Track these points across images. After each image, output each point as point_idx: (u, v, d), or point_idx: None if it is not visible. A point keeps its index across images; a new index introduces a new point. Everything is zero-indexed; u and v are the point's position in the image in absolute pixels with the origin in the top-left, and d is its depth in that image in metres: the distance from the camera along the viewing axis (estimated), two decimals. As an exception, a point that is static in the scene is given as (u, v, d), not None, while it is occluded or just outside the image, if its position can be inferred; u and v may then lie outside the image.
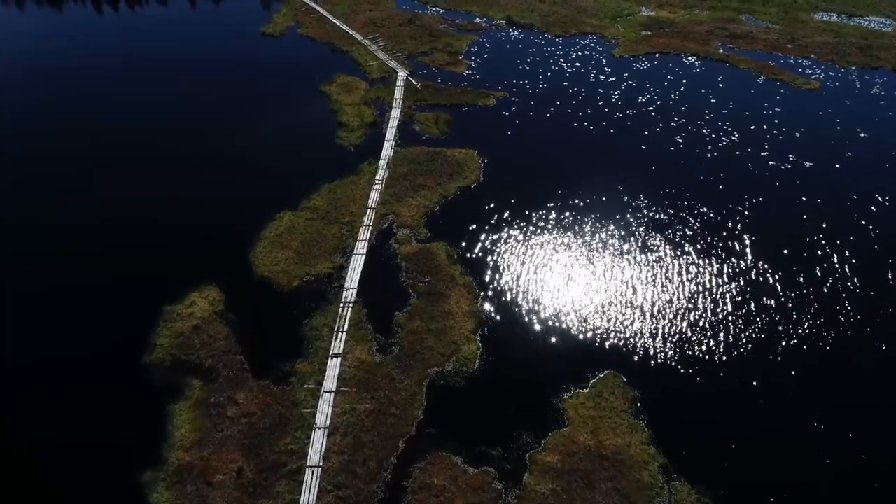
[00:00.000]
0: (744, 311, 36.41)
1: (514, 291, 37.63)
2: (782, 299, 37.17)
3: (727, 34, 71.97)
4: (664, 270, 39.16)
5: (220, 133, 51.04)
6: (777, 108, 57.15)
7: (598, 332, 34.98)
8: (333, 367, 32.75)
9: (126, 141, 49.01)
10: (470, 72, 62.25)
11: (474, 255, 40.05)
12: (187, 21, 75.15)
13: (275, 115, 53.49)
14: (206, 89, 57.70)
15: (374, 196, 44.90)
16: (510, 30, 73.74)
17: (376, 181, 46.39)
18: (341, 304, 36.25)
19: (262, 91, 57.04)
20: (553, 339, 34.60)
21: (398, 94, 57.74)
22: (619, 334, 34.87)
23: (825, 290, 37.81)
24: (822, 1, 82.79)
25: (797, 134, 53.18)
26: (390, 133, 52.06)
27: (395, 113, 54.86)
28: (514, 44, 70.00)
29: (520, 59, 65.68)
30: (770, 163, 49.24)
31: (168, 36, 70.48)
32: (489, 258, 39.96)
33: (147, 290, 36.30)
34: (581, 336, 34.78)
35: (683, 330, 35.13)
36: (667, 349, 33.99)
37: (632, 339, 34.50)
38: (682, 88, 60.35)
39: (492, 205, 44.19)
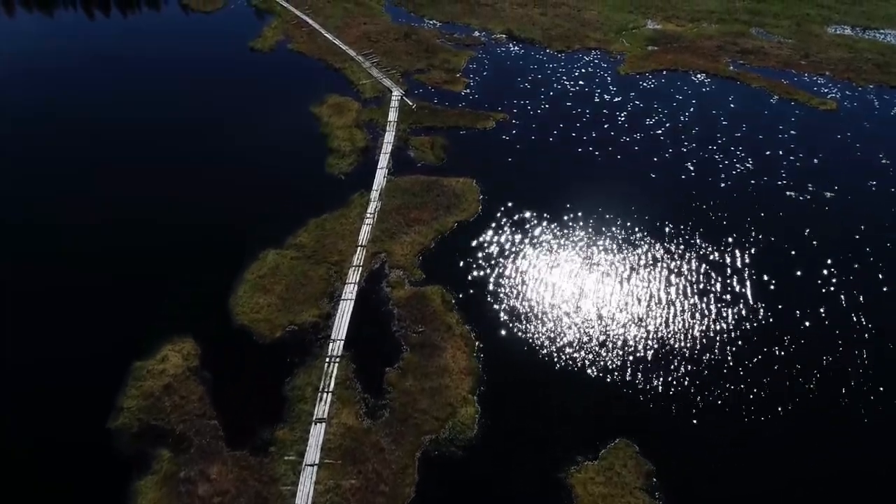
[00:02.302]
0: (770, 367, 33.33)
1: (516, 343, 34.62)
2: (822, 359, 34.07)
3: (737, 49, 68.91)
4: (680, 322, 36.08)
5: (202, 161, 47.83)
6: (793, 132, 54.08)
7: (608, 391, 31.96)
8: (317, 434, 29.77)
9: (104, 179, 45.50)
10: (468, 91, 59.22)
11: (472, 300, 37.02)
12: (175, 33, 71.71)
13: (261, 139, 50.45)
14: (190, 111, 54.49)
15: (364, 232, 41.86)
16: (510, 44, 70.69)
17: (367, 215, 43.35)
18: (327, 359, 33.24)
19: (248, 113, 53.94)
20: (559, 399, 31.57)
21: (392, 115, 54.70)
22: (630, 394, 31.82)
23: (865, 352, 34.70)
24: (835, 13, 79.71)
25: (815, 161, 50.12)
26: (383, 160, 49.02)
27: (389, 137, 51.81)
28: (514, 60, 66.94)
29: (520, 76, 62.63)
30: (788, 193, 46.18)
31: (154, 46, 67.20)
32: (488, 303, 36.94)
33: (117, 346, 33.19)
34: (589, 396, 31.76)
35: (701, 389, 32.05)
36: (682, 411, 30.94)
37: (644, 400, 31.46)
38: (692, 109, 57.30)
39: (491, 242, 41.20)
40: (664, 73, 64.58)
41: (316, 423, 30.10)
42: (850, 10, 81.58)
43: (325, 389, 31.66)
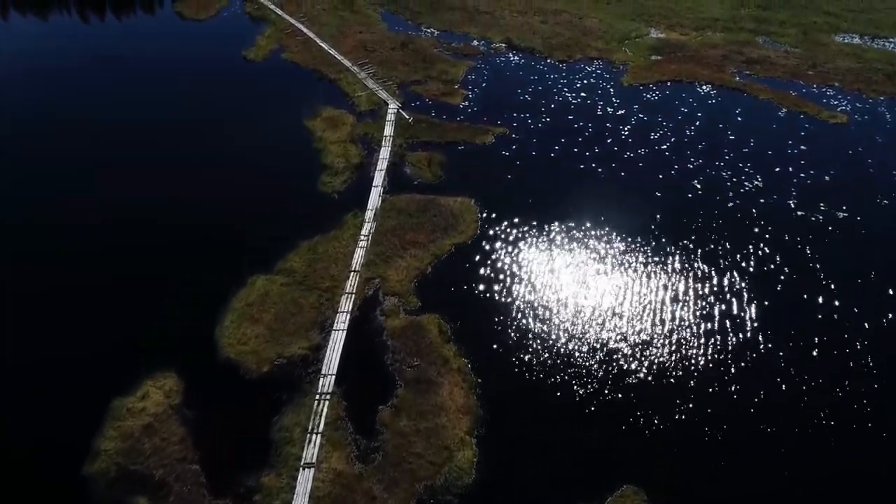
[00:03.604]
0: (789, 407, 31.53)
1: (516, 377, 32.80)
2: (836, 394, 32.28)
3: (743, 59, 67.14)
4: (693, 353, 34.27)
5: (189, 178, 45.98)
6: (803, 147, 52.30)
7: (613, 432, 30.10)
8: (305, 480, 27.98)
9: (84, 206, 43.48)
10: (467, 103, 57.46)
11: (470, 330, 35.22)
12: (167, 41, 69.88)
13: (253, 156, 48.61)
14: (180, 122, 52.66)
15: (358, 256, 40.07)
16: (510, 54, 68.94)
17: (361, 237, 41.57)
18: (317, 396, 31.44)
19: (240, 127, 52.10)
20: (561, 439, 29.74)
21: (388, 130, 52.93)
22: (637, 433, 29.99)
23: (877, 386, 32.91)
24: (842, 21, 77.94)
25: (826, 178, 48.34)
26: (378, 177, 47.23)
27: (385, 153, 50.02)
28: (514, 70, 65.18)
29: (520, 88, 60.86)
30: (799, 213, 44.42)
31: (145, 54, 65.51)
32: (486, 334, 35.15)
33: (95, 384, 31.42)
34: (594, 436, 29.90)
35: (710, 429, 30.25)
36: (691, 453, 29.14)
37: (652, 441, 29.62)
38: (698, 123, 55.53)
39: (490, 267, 39.44)
40: (668, 83, 62.84)
41: (304, 469, 28.31)
42: (857, 17, 79.86)
43: (315, 430, 29.87)
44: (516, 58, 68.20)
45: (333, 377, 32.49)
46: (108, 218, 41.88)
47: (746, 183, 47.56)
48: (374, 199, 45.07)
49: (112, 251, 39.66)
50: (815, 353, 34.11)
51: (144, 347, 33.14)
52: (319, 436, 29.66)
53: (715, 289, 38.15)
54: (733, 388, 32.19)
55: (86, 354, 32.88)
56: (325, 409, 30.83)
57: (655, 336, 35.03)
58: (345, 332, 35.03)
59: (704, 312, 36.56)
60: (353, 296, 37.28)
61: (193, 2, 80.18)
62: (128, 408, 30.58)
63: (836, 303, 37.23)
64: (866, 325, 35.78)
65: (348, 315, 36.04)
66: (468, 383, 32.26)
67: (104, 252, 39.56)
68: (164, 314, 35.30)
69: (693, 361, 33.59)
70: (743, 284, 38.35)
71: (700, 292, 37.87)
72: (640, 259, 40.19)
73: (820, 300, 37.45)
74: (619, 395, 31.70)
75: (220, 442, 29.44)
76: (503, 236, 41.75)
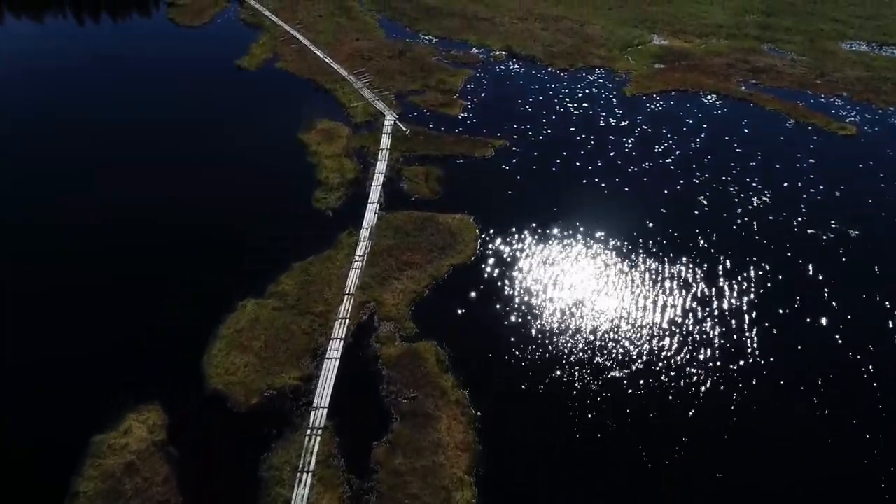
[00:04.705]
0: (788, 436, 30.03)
1: (518, 410, 31.31)
2: (852, 424, 30.77)
3: (749, 68, 65.61)
4: (702, 382, 32.72)
5: (176, 195, 44.46)
6: (812, 160, 50.77)
7: (620, 473, 28.55)
8: (294, 525, 26.42)
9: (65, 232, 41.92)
10: (466, 114, 55.94)
11: (469, 359, 33.70)
12: (159, 48, 68.26)
13: (245, 171, 47.11)
14: (163, 136, 51.13)
15: (353, 278, 38.55)
16: (510, 62, 67.40)
17: (356, 257, 40.06)
18: (308, 432, 29.93)
19: (230, 140, 50.58)
20: (569, 481, 28.19)
21: (384, 142, 51.43)
22: (647, 476, 28.44)
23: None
24: (849, 28, 76.38)
25: (837, 193, 46.82)
26: (374, 193, 45.71)
27: (381, 167, 48.50)
28: (514, 79, 63.65)
29: (521, 98, 59.33)
30: (810, 231, 42.89)
31: (136, 63, 64.01)
32: (487, 362, 33.68)
33: (74, 418, 29.98)
34: (600, 478, 28.35)
35: (718, 468, 28.74)
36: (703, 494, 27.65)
37: (664, 486, 28.07)
38: (703, 135, 54.02)
39: (489, 289, 37.96)
40: (672, 93, 61.32)
41: (293, 512, 26.80)
42: (864, 24, 78.31)
43: (306, 469, 28.40)
44: (516, 66, 66.67)
45: (325, 410, 31.03)
46: (94, 235, 40.68)
47: (755, 199, 46.04)
48: (370, 216, 43.58)
49: (109, 260, 38.89)
50: (822, 381, 32.56)
51: (130, 381, 31.63)
52: (310, 475, 28.18)
53: (724, 311, 36.64)
54: (739, 416, 30.67)
55: (65, 384, 31.48)
56: (317, 446, 29.36)
57: (665, 362, 33.50)
58: (338, 360, 33.56)
59: (713, 336, 35.04)
60: (347, 321, 35.79)
61: (188, 8, 78.57)
62: (109, 444, 29.13)
63: (847, 327, 35.64)
64: (882, 355, 34.22)
65: (342, 342, 34.56)
66: (467, 417, 30.76)
67: (102, 257, 38.95)
68: (150, 342, 33.83)
69: (700, 388, 32.05)
70: (752, 307, 36.82)
71: (708, 314, 36.35)
72: (648, 280, 38.71)
73: (830, 323, 35.87)
74: (634, 430, 30.14)
75: (206, 482, 27.97)
76: (503, 256, 40.25)
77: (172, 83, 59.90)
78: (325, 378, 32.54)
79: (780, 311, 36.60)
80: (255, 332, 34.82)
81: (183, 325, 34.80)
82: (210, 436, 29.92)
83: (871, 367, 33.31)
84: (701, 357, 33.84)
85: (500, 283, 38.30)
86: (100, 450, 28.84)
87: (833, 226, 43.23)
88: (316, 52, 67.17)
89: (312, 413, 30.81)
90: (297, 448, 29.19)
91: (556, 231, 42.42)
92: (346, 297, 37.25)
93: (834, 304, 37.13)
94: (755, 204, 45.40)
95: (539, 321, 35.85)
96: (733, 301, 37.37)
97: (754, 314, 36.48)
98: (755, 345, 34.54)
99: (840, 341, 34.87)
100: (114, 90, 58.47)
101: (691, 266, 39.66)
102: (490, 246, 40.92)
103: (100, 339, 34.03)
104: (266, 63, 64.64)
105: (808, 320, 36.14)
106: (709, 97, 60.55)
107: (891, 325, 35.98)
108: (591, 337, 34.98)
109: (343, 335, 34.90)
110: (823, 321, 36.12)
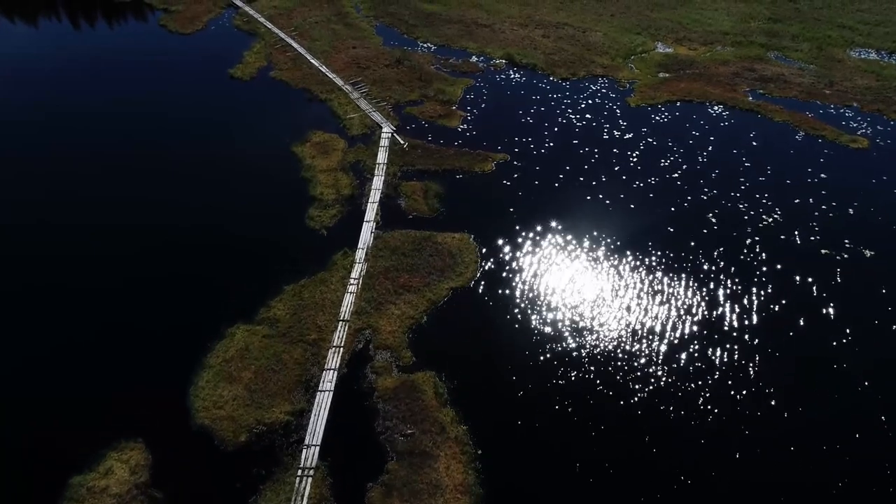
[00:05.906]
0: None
1: (521, 447, 29.65)
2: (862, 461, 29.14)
3: (755, 77, 63.95)
4: (713, 406, 31.06)
5: (161, 212, 42.85)
6: (823, 175, 49.12)
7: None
8: (283, 577, 24.73)
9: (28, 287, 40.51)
10: (465, 126, 54.29)
11: (469, 391, 32.11)
12: (150, 57, 66.29)
13: (234, 186, 45.50)
14: (148, 149, 49.51)
15: (347, 302, 36.90)
16: (510, 71, 65.72)
17: (351, 280, 38.41)
18: (299, 472, 28.28)
19: (220, 153, 48.91)
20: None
21: (381, 156, 49.76)
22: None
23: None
24: (857, 35, 74.69)
25: (850, 210, 45.17)
26: (371, 211, 44.08)
27: (378, 182, 46.85)
28: (514, 89, 61.97)
29: (522, 108, 57.68)
30: (823, 252, 41.27)
31: (126, 73, 62.34)
32: (488, 395, 32.07)
33: (50, 458, 28.35)
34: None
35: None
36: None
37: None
38: (711, 148, 52.37)
39: (490, 314, 36.34)
40: (678, 104, 59.66)
41: (282, 563, 25.12)
42: (873, 31, 76.63)
43: (295, 514, 26.68)
44: (517, 75, 65.00)
45: (318, 448, 29.38)
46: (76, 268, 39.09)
47: (765, 216, 44.38)
48: (366, 235, 41.94)
49: (90, 282, 36.94)
50: (835, 414, 30.93)
51: (111, 415, 30.05)
52: (300, 521, 26.49)
53: (735, 334, 35.00)
54: (750, 444, 29.03)
55: (40, 420, 29.87)
56: (308, 488, 27.72)
57: (674, 394, 31.83)
58: (331, 393, 31.92)
59: (723, 359, 33.40)
60: (342, 349, 34.13)
61: (181, 14, 76.86)
62: (88, 487, 27.55)
63: (861, 353, 34.02)
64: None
65: (335, 373, 32.90)
66: (467, 455, 29.11)
67: (84, 280, 37.22)
68: (133, 372, 32.22)
69: (707, 422, 30.40)
70: (761, 332, 35.18)
71: (718, 338, 34.70)
72: (656, 304, 37.08)
73: (844, 352, 34.24)
74: (643, 465, 28.48)
75: (190, 529, 26.29)
76: (505, 279, 38.61)
77: (160, 94, 58.10)
78: (318, 412, 30.91)
79: (791, 335, 35.03)
80: (245, 362, 33.19)
81: (168, 354, 33.14)
82: (196, 477, 28.42)
83: (883, 397, 31.64)
84: (710, 387, 32.18)
85: (501, 308, 36.64)
86: (78, 493, 27.29)
87: (847, 245, 41.64)
88: (311, 60, 65.49)
89: (304, 451, 29.19)
90: (287, 490, 27.57)
91: (559, 252, 40.82)
92: (340, 323, 35.61)
93: (848, 330, 35.44)
94: (766, 222, 43.81)
95: (543, 349, 34.19)
96: (745, 321, 35.72)
97: (763, 338, 34.85)
98: (762, 369, 32.89)
99: (851, 372, 33.15)
100: (90, 111, 55.58)
101: (701, 290, 38.01)
102: (491, 267, 39.31)
103: (78, 368, 32.37)
104: (260, 71, 62.97)
105: (821, 346, 34.49)
106: (715, 108, 58.89)
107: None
108: (600, 367, 33.29)
109: (337, 365, 33.27)
110: (836, 346, 34.44)
